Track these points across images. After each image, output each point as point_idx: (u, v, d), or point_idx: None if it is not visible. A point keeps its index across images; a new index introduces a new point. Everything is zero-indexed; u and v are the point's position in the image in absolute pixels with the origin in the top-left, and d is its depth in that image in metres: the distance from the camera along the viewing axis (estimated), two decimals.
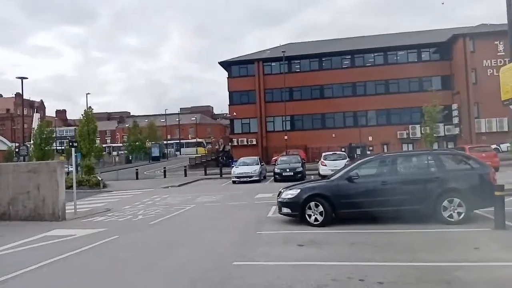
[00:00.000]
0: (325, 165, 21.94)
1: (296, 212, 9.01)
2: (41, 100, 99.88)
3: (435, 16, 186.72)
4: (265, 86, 45.46)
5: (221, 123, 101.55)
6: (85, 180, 23.70)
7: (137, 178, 30.09)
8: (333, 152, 24.95)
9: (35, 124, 47.38)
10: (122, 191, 21.28)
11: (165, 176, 30.56)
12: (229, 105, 47.44)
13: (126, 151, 67.11)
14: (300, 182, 10.38)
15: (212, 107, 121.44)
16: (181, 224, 10.78)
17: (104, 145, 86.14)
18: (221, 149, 48.98)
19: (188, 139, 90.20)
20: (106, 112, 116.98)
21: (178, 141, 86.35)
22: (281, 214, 9.50)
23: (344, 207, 8.67)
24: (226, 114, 79.22)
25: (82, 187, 22.20)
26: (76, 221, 11.89)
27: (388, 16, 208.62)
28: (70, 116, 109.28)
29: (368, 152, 40.71)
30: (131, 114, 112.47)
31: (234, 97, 46.81)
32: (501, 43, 38.27)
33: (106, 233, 9.47)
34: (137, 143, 65.69)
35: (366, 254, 6.31)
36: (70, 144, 14.23)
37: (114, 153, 79.07)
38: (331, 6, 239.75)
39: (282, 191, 9.67)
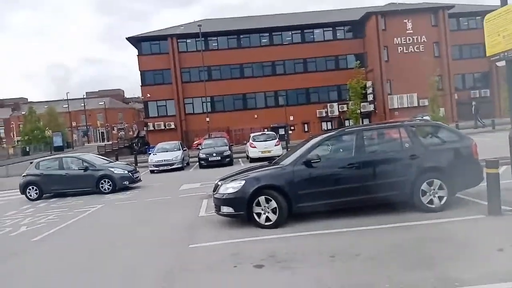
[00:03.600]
0: (255, 147, 19.97)
1: (240, 211, 6.72)
2: None
3: None
4: (181, 65, 41.86)
5: (134, 107, 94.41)
6: None
7: None
8: (262, 133, 23.06)
9: None
10: (10, 191, 17.00)
11: None
12: (141, 85, 42.71)
13: (22, 142, 58.40)
14: (241, 171, 8.00)
15: (123, 91, 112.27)
16: (81, 237, 7.84)
17: None
18: (135, 135, 44.55)
19: (97, 126, 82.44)
20: None
21: (86, 128, 78.35)
22: (220, 214, 7.10)
23: (303, 200, 6.63)
24: (140, 97, 73.52)
25: None
26: None
27: None
28: None
29: (290, 132, 40.26)
30: (29, 100, 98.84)
31: (147, 77, 42.33)
32: (410, 21, 39.83)
33: None
34: (35, 132, 57.41)
35: (365, 275, 4.37)
36: None
37: (8, 145, 68.95)
38: None
39: (219, 183, 7.25)
